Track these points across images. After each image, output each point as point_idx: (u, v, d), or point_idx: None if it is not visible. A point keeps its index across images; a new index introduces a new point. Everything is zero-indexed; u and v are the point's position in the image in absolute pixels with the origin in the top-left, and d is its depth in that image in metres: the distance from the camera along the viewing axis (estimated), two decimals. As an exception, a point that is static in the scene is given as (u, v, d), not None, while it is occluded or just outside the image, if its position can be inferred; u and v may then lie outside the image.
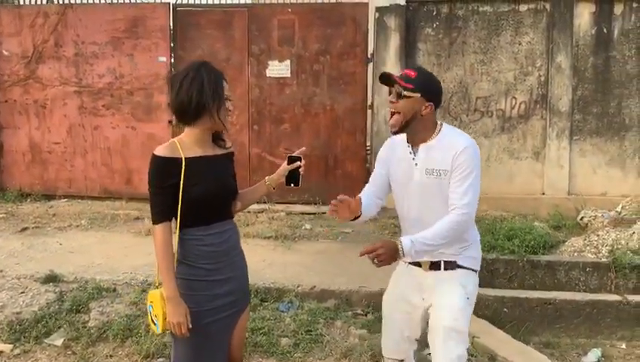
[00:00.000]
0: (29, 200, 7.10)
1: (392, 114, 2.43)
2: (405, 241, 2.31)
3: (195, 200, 2.17)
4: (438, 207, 2.40)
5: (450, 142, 2.39)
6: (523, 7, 6.51)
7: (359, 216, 2.47)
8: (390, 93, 2.45)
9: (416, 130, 2.43)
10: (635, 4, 6.44)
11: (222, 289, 2.27)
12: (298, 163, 2.45)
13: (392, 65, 6.51)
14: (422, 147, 2.44)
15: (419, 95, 2.37)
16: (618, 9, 6.46)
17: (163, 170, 2.17)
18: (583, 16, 6.49)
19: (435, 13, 6.57)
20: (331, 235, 5.72)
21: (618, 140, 6.57)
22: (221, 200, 2.29)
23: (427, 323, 2.54)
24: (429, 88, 2.41)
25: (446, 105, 6.59)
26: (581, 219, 6.12)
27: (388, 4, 6.56)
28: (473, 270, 2.51)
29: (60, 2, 7.40)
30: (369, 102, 6.87)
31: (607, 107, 6.55)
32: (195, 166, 2.19)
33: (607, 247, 5.04)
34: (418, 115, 2.39)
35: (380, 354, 3.52)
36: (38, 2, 7.42)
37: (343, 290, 4.22)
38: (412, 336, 2.63)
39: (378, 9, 6.59)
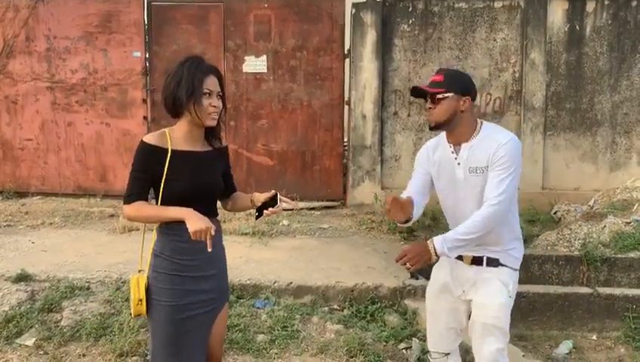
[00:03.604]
0: (0, 197, 6.96)
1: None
2: (436, 241, 2.37)
3: (175, 194, 2.18)
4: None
5: (491, 138, 2.44)
6: (498, 4, 6.57)
7: (410, 219, 2.51)
8: (427, 101, 2.54)
9: (458, 127, 2.49)
10: (606, 2, 6.55)
11: (199, 286, 2.26)
12: (272, 205, 2.28)
13: (369, 61, 6.54)
14: (464, 146, 2.50)
15: (452, 94, 2.45)
16: (590, 6, 6.56)
17: (148, 157, 2.19)
18: (557, 13, 6.58)
19: (410, 9, 6.60)
20: (308, 231, 5.72)
21: (590, 135, 6.68)
22: (202, 198, 2.26)
23: (469, 315, 2.59)
24: (460, 83, 2.50)
25: (422, 101, 6.61)
26: (555, 213, 6.22)
27: (364, 0, 6.58)
28: (514, 269, 2.54)
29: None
30: (346, 98, 6.88)
31: (580, 103, 6.65)
32: (179, 160, 2.19)
33: (579, 241, 5.12)
34: (458, 113, 2.46)
35: (357, 349, 3.55)
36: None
37: (320, 286, 4.22)
38: (457, 328, 2.67)
39: (354, 5, 6.59)
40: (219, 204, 2.48)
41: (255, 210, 2.36)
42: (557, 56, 6.62)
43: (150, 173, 2.19)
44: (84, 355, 3.48)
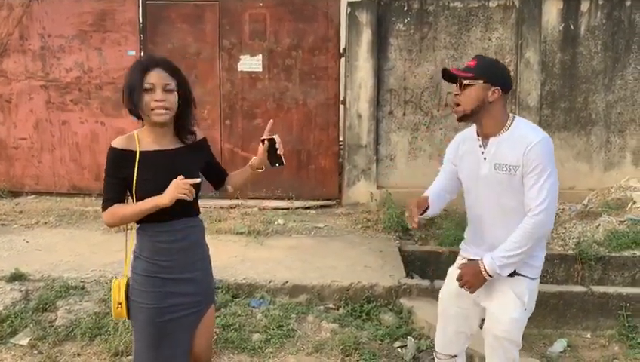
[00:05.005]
0: (-6, 197, 6.94)
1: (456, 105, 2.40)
2: (485, 260, 2.31)
3: (148, 195, 2.14)
4: (508, 203, 2.35)
5: (521, 136, 2.32)
6: (493, 3, 6.58)
7: (427, 208, 2.44)
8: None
9: (485, 119, 2.37)
10: (600, 1, 6.57)
11: (179, 288, 2.24)
12: (275, 148, 2.33)
13: (364, 61, 6.54)
14: (492, 140, 2.38)
15: (481, 81, 2.32)
16: (585, 6, 6.58)
17: (117, 162, 2.18)
18: (551, 13, 6.59)
19: (406, 8, 6.60)
20: (304, 230, 5.72)
21: (585, 135, 6.70)
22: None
23: (481, 320, 2.54)
24: (492, 72, 2.36)
25: (417, 100, 6.64)
26: (549, 212, 6.23)
27: (359, -1, 6.59)
28: (532, 278, 2.43)
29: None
30: (342, 97, 6.88)
31: (575, 102, 6.67)
32: (149, 160, 2.18)
33: (573, 240, 5.15)
34: (485, 103, 2.33)
35: (352, 348, 3.56)
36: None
37: (315, 285, 4.22)
38: (467, 332, 2.61)
39: (350, 4, 6.59)
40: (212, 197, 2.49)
41: (270, 164, 2.36)
42: (552, 55, 6.64)
43: (121, 177, 2.18)
44: (78, 355, 3.47)
